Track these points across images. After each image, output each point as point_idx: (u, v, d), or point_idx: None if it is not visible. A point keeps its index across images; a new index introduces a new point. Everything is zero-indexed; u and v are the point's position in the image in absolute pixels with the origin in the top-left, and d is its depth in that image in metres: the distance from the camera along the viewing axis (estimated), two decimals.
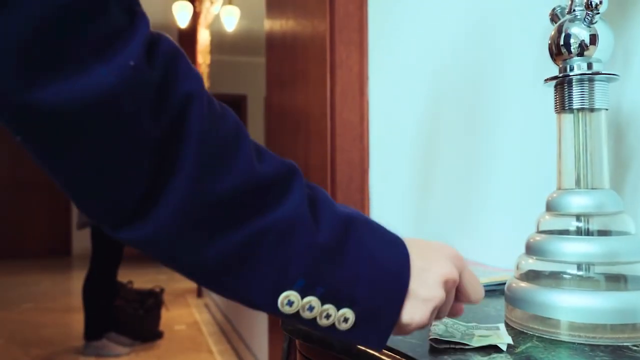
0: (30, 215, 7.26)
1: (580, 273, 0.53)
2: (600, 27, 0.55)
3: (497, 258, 0.91)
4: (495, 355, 0.48)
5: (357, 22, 1.39)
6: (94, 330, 3.08)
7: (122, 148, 0.35)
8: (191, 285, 5.17)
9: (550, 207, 0.57)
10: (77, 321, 3.76)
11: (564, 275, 0.54)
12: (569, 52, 0.56)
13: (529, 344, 0.50)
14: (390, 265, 0.42)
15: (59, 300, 4.58)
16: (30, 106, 0.33)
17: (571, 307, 0.50)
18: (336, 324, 0.41)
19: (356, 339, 0.42)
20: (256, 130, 3.62)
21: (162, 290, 3.57)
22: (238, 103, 4.16)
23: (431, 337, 0.51)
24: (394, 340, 0.52)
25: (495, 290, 0.75)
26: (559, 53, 0.57)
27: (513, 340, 0.51)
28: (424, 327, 0.43)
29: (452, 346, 0.50)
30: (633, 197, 0.68)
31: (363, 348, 0.53)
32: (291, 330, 0.62)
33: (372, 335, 0.42)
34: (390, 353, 0.50)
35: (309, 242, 0.39)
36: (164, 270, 6.03)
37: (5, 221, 7.18)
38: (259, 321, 2.69)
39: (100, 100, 0.33)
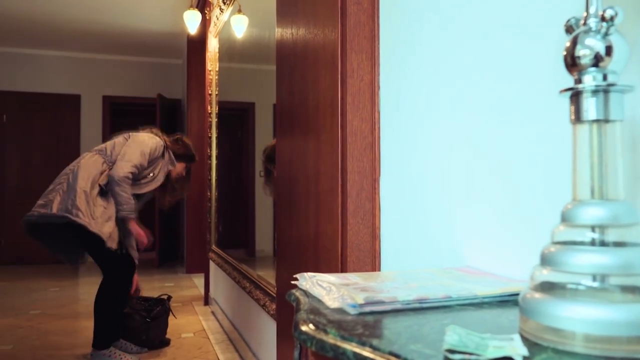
0: None
1: (595, 284, 0.53)
2: (615, 39, 0.55)
3: (510, 269, 0.90)
4: None
5: (369, 31, 1.40)
6: (103, 339, 3.07)
7: None
8: (198, 293, 5.17)
9: (565, 218, 0.57)
10: (85, 328, 3.77)
11: (579, 287, 0.53)
12: (584, 63, 0.56)
13: (544, 356, 0.50)
14: None
15: (67, 307, 4.60)
16: None
17: (587, 318, 0.50)
18: None
19: None
20: (264, 138, 3.62)
21: (169, 298, 3.57)
22: (246, 110, 4.17)
23: (445, 347, 0.51)
24: (408, 350, 0.52)
25: (507, 301, 0.75)
26: (574, 64, 0.57)
27: (528, 352, 0.50)
28: None
29: (466, 357, 0.49)
30: None
31: (377, 358, 0.53)
32: (304, 339, 0.62)
33: None
34: None
35: None
36: (170, 278, 6.04)
37: (13, 228, 7.21)
38: (267, 329, 2.68)
39: None
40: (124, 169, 3.01)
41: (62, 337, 3.67)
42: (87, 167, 3.03)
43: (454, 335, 0.54)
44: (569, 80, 0.60)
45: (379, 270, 1.37)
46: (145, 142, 3.17)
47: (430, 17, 1.19)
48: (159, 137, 3.30)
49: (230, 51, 4.27)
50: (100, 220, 2.94)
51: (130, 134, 3.26)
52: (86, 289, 5.35)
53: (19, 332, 3.79)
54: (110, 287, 3.08)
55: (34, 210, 2.97)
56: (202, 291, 4.99)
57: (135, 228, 3.11)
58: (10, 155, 7.23)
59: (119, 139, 3.21)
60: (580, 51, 0.56)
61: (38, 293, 5.22)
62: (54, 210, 2.91)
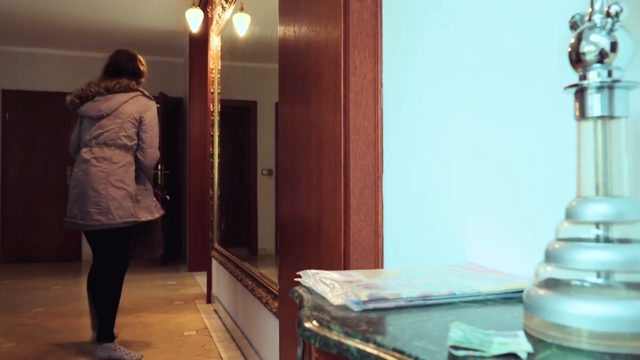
0: (40, 220, 7.31)
1: (599, 281, 0.53)
2: (620, 35, 0.55)
3: (513, 266, 0.90)
4: None
5: (372, 28, 1.40)
6: (108, 332, 3.10)
7: None
8: (200, 291, 5.18)
9: (570, 215, 0.57)
10: (87, 326, 3.77)
11: (584, 283, 0.53)
12: (589, 59, 0.56)
13: (548, 352, 0.50)
14: None
15: (69, 305, 4.60)
16: None
17: (591, 315, 0.50)
18: None
19: None
20: (267, 136, 3.62)
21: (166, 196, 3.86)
22: (248, 108, 4.17)
23: (450, 343, 0.51)
24: (412, 346, 0.52)
25: (511, 298, 0.75)
26: (579, 60, 0.57)
27: (532, 348, 0.50)
28: None
29: (471, 353, 0.49)
30: None
31: (381, 354, 0.53)
32: (308, 335, 0.62)
33: None
34: (409, 359, 0.50)
35: None
36: (172, 276, 6.04)
37: (16, 226, 7.23)
38: (270, 327, 2.69)
39: None
40: (156, 155, 3.26)
41: (65, 334, 3.68)
42: (126, 170, 3.13)
43: (458, 332, 0.54)
44: (570, 79, 0.60)
45: (382, 267, 1.37)
46: (155, 119, 3.26)
47: (432, 15, 1.19)
48: (145, 96, 3.25)
49: (232, 49, 4.26)
50: (151, 205, 3.24)
51: (134, 110, 3.15)
52: None
53: (22, 329, 3.80)
54: (112, 281, 3.15)
55: (95, 219, 3.04)
56: (205, 289, 4.99)
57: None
58: (12, 154, 7.24)
59: (126, 124, 3.12)
60: (585, 47, 0.56)
61: (41, 291, 5.23)
62: (119, 219, 3.07)
